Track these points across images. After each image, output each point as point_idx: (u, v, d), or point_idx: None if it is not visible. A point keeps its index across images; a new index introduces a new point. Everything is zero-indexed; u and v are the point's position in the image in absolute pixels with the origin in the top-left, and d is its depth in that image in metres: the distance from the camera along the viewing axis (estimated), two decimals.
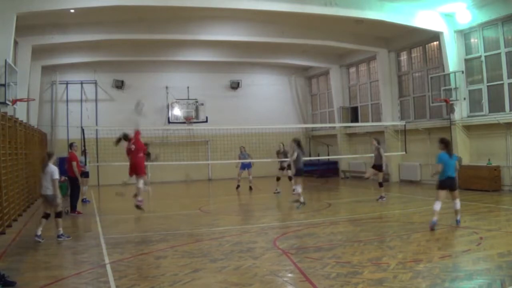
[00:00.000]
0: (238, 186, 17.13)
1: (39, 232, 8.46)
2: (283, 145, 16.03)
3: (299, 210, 11.56)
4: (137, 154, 10.49)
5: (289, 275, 5.97)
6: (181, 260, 6.80)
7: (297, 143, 12.38)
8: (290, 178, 15.41)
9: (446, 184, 8.57)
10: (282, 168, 15.75)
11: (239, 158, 17.07)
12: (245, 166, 16.93)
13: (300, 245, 7.64)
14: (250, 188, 16.88)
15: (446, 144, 8.72)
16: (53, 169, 8.63)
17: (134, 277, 5.91)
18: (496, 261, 6.03)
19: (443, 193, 8.63)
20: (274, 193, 15.41)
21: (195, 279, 5.76)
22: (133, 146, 10.49)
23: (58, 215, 8.71)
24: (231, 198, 15.67)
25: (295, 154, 12.06)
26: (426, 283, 5.24)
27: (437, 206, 8.51)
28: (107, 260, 6.82)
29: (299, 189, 12.09)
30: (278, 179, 15.83)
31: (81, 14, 14.05)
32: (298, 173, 12.26)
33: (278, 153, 16.03)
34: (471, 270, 5.72)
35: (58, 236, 8.53)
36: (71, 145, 12.55)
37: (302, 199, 12.03)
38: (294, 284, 5.60)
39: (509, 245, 6.93)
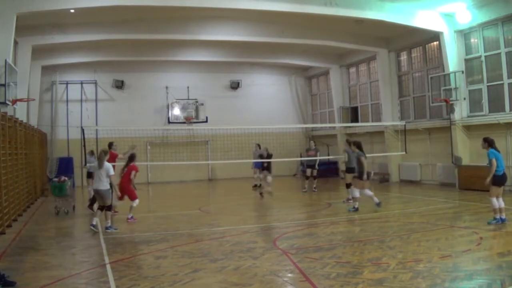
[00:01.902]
0: (255, 185, 17.07)
1: (94, 222, 9.38)
2: (315, 143, 16.40)
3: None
4: (127, 177, 10.61)
5: (289, 275, 5.97)
6: (181, 260, 6.80)
7: (358, 145, 11.68)
8: (307, 178, 15.92)
9: (504, 179, 8.61)
10: (309, 167, 16.00)
11: (254, 156, 16.98)
12: (258, 165, 16.83)
13: (300, 245, 7.64)
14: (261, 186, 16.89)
15: (490, 143, 8.83)
16: (109, 166, 9.41)
17: (134, 277, 5.90)
18: (496, 261, 6.03)
19: (501, 189, 8.64)
20: (313, 190, 15.73)
21: (195, 279, 5.76)
22: (126, 169, 10.66)
23: (108, 208, 9.42)
24: (231, 198, 15.67)
25: (363, 158, 11.17)
26: (426, 283, 5.24)
27: (497, 203, 8.54)
28: (107, 260, 6.82)
29: (369, 192, 11.16)
30: (307, 178, 16.07)
31: (81, 14, 14.03)
32: (362, 176, 11.24)
33: (308, 150, 16.26)
34: (471, 270, 5.72)
35: (107, 228, 9.27)
36: (110, 145, 12.11)
37: (376, 200, 11.13)
38: (294, 284, 5.60)
39: (509, 245, 6.94)
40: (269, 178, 14.13)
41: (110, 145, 12.08)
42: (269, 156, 14.56)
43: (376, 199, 11.11)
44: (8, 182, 10.09)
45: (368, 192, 11.18)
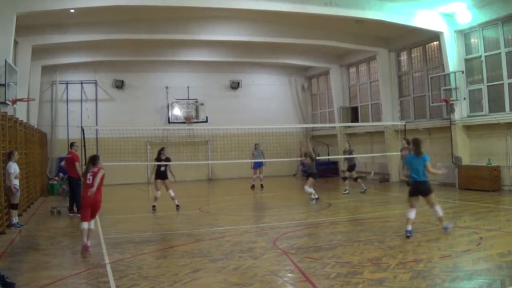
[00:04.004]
0: (253, 186, 17.39)
1: None
2: (349, 144, 15.88)
3: None
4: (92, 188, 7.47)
5: (289, 275, 5.97)
6: (181, 260, 6.80)
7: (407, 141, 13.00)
8: (355, 179, 15.36)
9: None
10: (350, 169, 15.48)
11: (253, 156, 17.21)
12: (257, 165, 17.06)
13: (300, 245, 7.64)
14: (262, 186, 17.20)
15: None
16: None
17: (134, 277, 5.91)
18: (496, 261, 6.03)
19: None
20: (343, 194, 15.03)
21: (195, 279, 5.77)
22: (90, 178, 7.54)
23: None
24: (231, 198, 15.67)
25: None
26: (426, 283, 5.24)
27: None
28: (107, 260, 6.82)
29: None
30: (344, 179, 15.69)
31: (81, 14, 14.04)
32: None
33: (344, 152, 15.76)
34: (471, 270, 5.72)
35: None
36: (72, 145, 12.51)
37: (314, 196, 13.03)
38: (294, 284, 5.60)
39: (509, 245, 6.93)
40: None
41: (72, 145, 12.47)
42: (168, 159, 12.68)
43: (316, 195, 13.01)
44: None
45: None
